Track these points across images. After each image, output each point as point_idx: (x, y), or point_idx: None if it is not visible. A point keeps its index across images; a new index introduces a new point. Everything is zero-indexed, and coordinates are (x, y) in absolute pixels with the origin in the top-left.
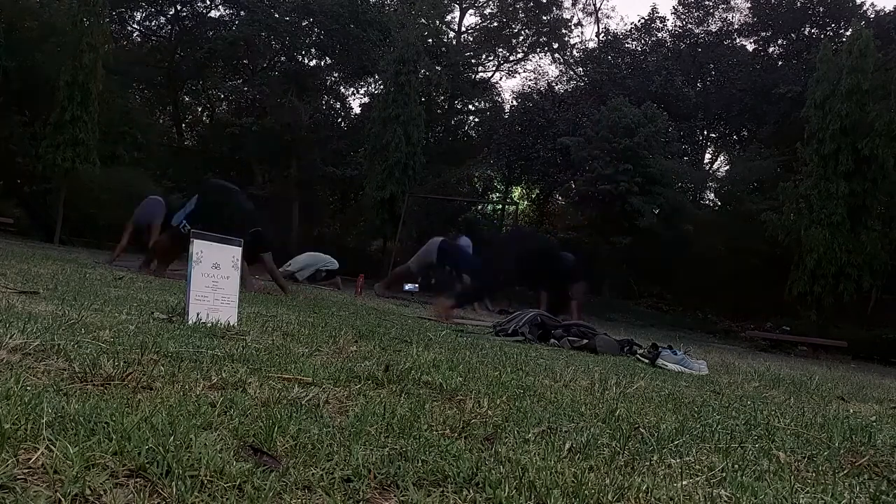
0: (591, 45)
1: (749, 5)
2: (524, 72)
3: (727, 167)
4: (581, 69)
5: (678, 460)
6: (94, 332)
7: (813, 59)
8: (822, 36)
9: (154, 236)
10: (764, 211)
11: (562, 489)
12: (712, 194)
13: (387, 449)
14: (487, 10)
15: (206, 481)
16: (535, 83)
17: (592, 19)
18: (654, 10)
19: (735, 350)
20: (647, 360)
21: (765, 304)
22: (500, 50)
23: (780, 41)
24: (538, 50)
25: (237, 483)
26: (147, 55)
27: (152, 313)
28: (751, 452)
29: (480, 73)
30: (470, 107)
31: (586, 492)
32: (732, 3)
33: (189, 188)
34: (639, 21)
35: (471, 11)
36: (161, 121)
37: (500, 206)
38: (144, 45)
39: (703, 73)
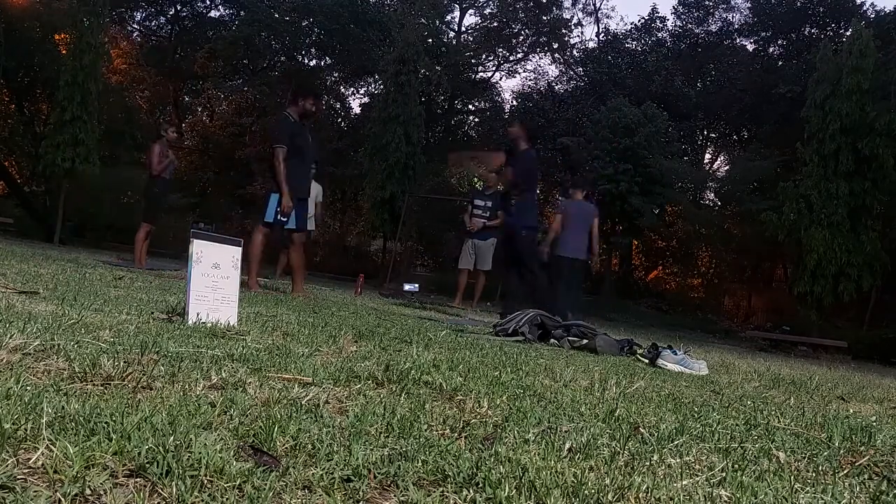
0: (591, 45)
1: (749, 5)
2: (524, 72)
3: (727, 167)
4: (581, 69)
5: (678, 460)
6: (94, 332)
7: (813, 59)
8: (822, 36)
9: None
10: (764, 211)
11: (562, 489)
12: (712, 194)
13: (387, 449)
14: (487, 10)
15: (206, 481)
16: (535, 83)
17: (592, 19)
18: (654, 10)
19: (735, 350)
20: (647, 360)
21: (765, 304)
22: (500, 50)
23: (780, 41)
24: (538, 50)
25: (237, 483)
26: (147, 55)
27: (152, 313)
28: (751, 452)
29: (480, 73)
30: (470, 107)
31: (586, 492)
32: (732, 3)
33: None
34: (639, 21)
35: (471, 11)
36: (161, 121)
37: None
38: (144, 45)
39: (703, 73)
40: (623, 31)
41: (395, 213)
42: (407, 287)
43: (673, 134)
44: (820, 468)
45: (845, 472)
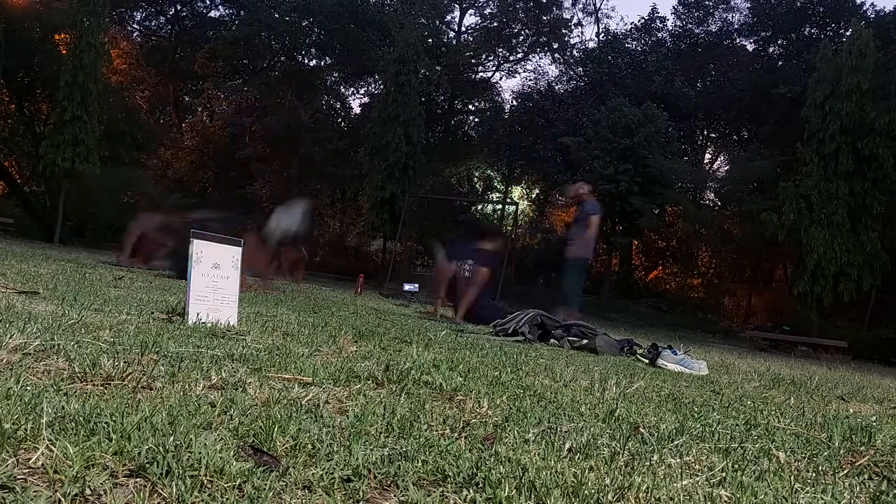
0: (591, 45)
1: (749, 5)
2: (524, 72)
3: (727, 167)
4: (581, 69)
5: (678, 460)
6: (94, 332)
7: (813, 59)
8: (822, 36)
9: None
10: (764, 211)
11: (562, 489)
12: (712, 194)
13: (387, 449)
14: (487, 10)
15: (206, 481)
16: (535, 83)
17: (592, 19)
18: (654, 10)
19: (735, 350)
20: (647, 360)
21: (765, 304)
22: (500, 50)
23: (780, 41)
24: (538, 50)
25: (237, 483)
26: (147, 55)
27: (152, 313)
28: (751, 452)
29: (480, 73)
30: (470, 107)
31: (586, 492)
32: (732, 3)
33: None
34: (639, 21)
35: (471, 11)
36: (161, 121)
37: (500, 206)
38: (144, 45)
39: (703, 73)
40: (623, 31)
41: (395, 213)
42: (407, 287)
43: (673, 134)
44: (820, 468)
45: (845, 472)
